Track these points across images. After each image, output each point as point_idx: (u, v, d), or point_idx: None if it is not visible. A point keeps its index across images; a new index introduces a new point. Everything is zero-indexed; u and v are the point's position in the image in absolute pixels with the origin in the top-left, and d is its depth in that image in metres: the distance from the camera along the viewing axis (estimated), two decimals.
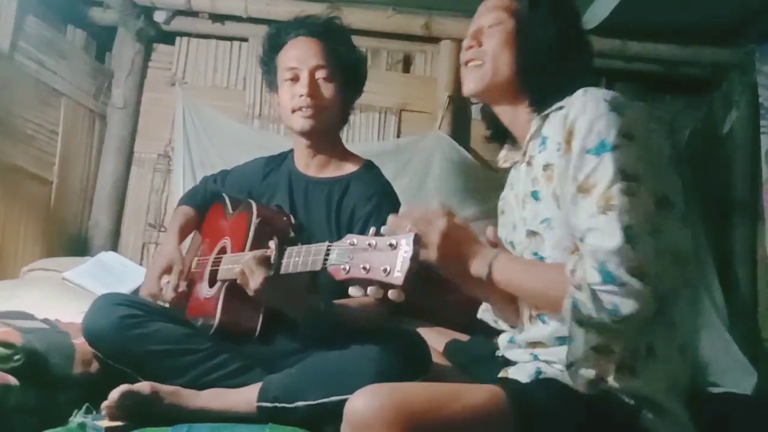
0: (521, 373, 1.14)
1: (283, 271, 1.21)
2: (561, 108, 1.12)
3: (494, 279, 1.08)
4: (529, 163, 1.20)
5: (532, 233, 1.15)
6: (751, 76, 2.53)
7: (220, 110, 2.61)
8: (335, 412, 1.20)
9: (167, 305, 1.54)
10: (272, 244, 1.24)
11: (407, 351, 1.27)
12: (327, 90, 1.57)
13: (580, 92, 1.08)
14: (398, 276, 0.94)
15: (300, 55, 1.57)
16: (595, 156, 1.00)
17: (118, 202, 2.61)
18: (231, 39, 2.70)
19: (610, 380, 1.00)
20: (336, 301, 1.37)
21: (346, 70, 1.61)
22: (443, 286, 1.61)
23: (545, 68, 1.18)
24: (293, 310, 1.35)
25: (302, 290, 1.33)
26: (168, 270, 1.54)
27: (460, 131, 2.59)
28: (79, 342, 1.41)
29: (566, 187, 1.04)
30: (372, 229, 1.01)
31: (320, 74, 1.56)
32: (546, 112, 1.17)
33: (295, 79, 1.56)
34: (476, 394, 1.01)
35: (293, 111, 1.56)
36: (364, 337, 1.29)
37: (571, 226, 1.04)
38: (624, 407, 1.01)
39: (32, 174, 2.25)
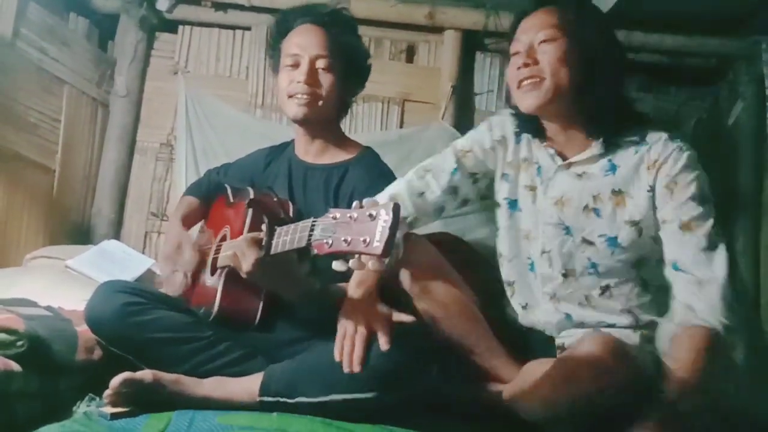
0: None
1: (273, 251, 1.21)
2: (635, 143, 1.30)
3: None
4: (579, 176, 1.35)
5: (588, 242, 1.34)
6: (757, 67, 2.51)
7: (223, 99, 2.61)
8: (336, 409, 1.21)
9: (179, 289, 1.54)
10: (263, 226, 1.24)
11: (411, 350, 1.26)
12: (326, 80, 1.55)
13: (664, 138, 1.29)
14: (377, 246, 0.95)
15: (303, 42, 1.56)
16: (699, 205, 1.24)
17: (120, 191, 2.61)
18: (234, 28, 2.69)
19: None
20: (335, 284, 1.37)
21: (349, 61, 1.60)
22: None
23: (600, 83, 1.28)
24: (288, 292, 1.35)
25: (296, 272, 1.32)
26: (179, 249, 1.53)
27: (463, 122, 2.58)
28: (82, 329, 1.41)
29: (665, 225, 1.26)
30: (355, 203, 1.02)
31: (320, 63, 1.55)
32: (616, 140, 1.31)
33: (295, 65, 1.56)
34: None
35: (289, 96, 1.55)
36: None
37: (666, 254, 1.27)
38: None
39: (35, 162, 2.25)
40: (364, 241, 0.96)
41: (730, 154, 2.61)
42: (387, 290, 1.34)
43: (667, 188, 1.26)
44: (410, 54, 2.71)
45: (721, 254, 1.23)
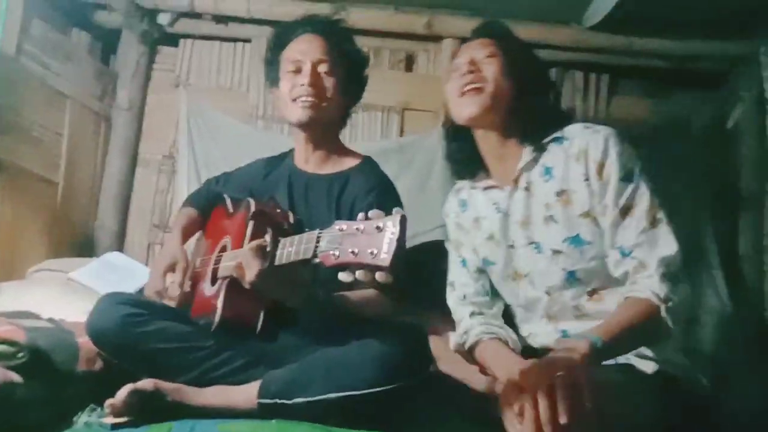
0: None
1: (277, 261, 1.21)
2: (559, 139, 1.35)
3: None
4: (527, 189, 1.38)
5: (556, 252, 1.34)
6: (757, 71, 2.51)
7: (224, 111, 2.63)
8: (334, 407, 1.22)
9: (172, 304, 1.55)
10: (267, 236, 1.24)
11: (408, 347, 1.27)
12: (328, 83, 1.57)
13: (580, 128, 1.34)
14: (385, 257, 0.95)
15: (304, 49, 1.58)
16: (631, 183, 1.26)
17: (123, 203, 2.63)
18: (234, 40, 2.71)
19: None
20: (338, 293, 1.37)
21: (348, 68, 1.62)
22: None
23: (534, 95, 1.38)
24: (292, 301, 1.35)
25: (299, 281, 1.33)
26: (171, 268, 1.55)
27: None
28: (84, 340, 1.42)
29: (607, 211, 1.27)
30: (360, 215, 1.02)
31: (322, 68, 1.57)
32: (543, 143, 1.36)
33: (297, 70, 1.57)
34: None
35: (293, 100, 1.57)
36: (366, 332, 1.30)
37: (611, 242, 1.27)
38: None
39: (38, 176, 2.27)
40: (372, 252, 0.96)
41: (732, 157, 2.61)
42: None
43: (598, 174, 1.28)
44: (409, 63, 2.73)
45: (663, 231, 1.23)
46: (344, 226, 1.02)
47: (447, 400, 1.41)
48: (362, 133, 2.65)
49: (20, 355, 1.22)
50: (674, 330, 1.18)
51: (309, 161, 1.64)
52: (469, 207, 1.52)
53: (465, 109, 1.37)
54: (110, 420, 1.22)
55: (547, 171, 1.36)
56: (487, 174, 1.47)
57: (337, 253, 1.01)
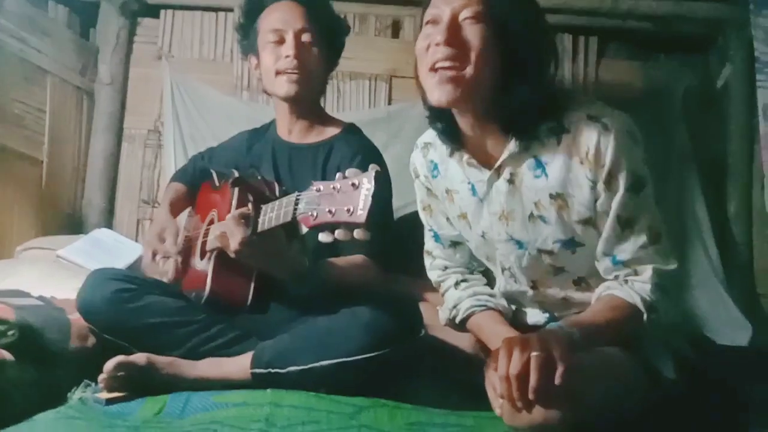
0: None
1: (260, 228, 1.21)
2: (556, 131, 1.13)
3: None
4: (511, 182, 1.20)
5: (544, 251, 1.23)
6: (746, 30, 2.48)
7: (209, 83, 2.59)
8: (327, 375, 1.23)
9: (167, 277, 1.55)
10: (249, 204, 1.24)
11: (398, 314, 1.28)
12: (312, 54, 1.55)
13: (585, 119, 1.11)
14: (361, 214, 0.95)
15: (285, 18, 1.55)
16: (636, 194, 1.13)
17: (110, 180, 2.60)
18: (216, 10, 2.65)
19: None
20: (325, 260, 1.37)
21: (329, 37, 1.60)
22: None
23: (529, 76, 1.11)
24: (278, 271, 1.35)
25: (285, 249, 1.32)
26: (161, 236, 1.54)
27: None
28: (75, 317, 1.41)
29: (608, 220, 1.15)
30: (338, 174, 1.02)
31: (305, 37, 1.54)
32: (533, 132, 1.14)
33: (280, 41, 1.54)
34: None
35: (278, 73, 1.54)
36: (355, 300, 1.30)
37: (606, 250, 1.17)
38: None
39: (22, 154, 2.23)
40: (348, 210, 0.97)
41: (720, 120, 2.60)
42: None
43: (606, 182, 1.12)
44: (396, 29, 2.68)
45: (664, 248, 1.16)
46: (321, 186, 1.02)
47: (438, 366, 1.43)
48: (350, 102, 2.61)
49: (10, 333, 1.21)
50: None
51: (292, 132, 1.63)
52: (441, 174, 1.31)
53: (434, 93, 1.11)
54: (105, 395, 1.23)
55: (539, 165, 1.16)
56: (462, 146, 1.24)
57: (315, 213, 1.01)
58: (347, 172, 1.01)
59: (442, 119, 1.22)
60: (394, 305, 1.29)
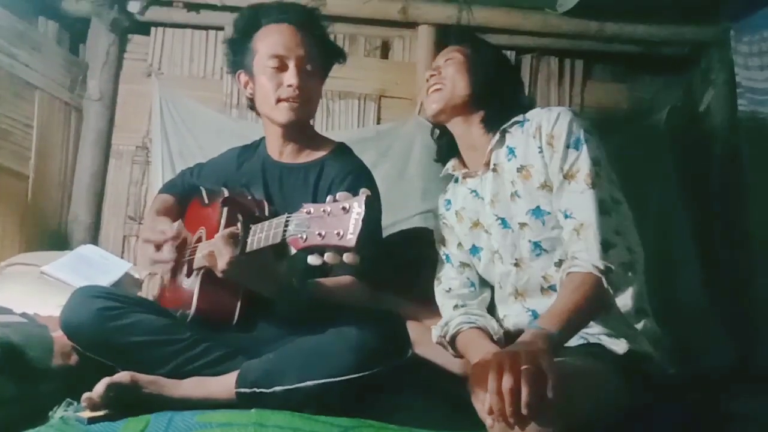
0: None
1: (248, 248, 1.21)
2: (520, 123, 1.46)
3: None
4: (495, 170, 1.48)
5: (522, 224, 1.42)
6: (728, 54, 2.54)
7: (198, 100, 2.59)
8: (312, 395, 1.22)
9: (150, 298, 1.53)
10: (239, 224, 1.24)
11: (385, 334, 1.28)
12: (313, 82, 1.56)
13: (538, 109, 1.45)
14: (350, 238, 0.96)
15: (287, 44, 1.54)
16: (575, 150, 1.35)
17: (97, 196, 2.58)
18: (206, 28, 2.67)
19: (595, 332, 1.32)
20: (312, 280, 1.37)
21: (325, 63, 1.62)
22: None
23: (491, 86, 1.51)
24: (266, 289, 1.35)
25: (273, 269, 1.32)
26: (155, 229, 1.51)
27: None
28: (58, 335, 1.40)
29: (554, 177, 1.36)
30: (329, 197, 1.02)
31: (308, 66, 1.55)
32: (504, 127, 1.48)
33: (281, 68, 1.53)
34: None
35: (279, 101, 1.54)
36: (342, 320, 1.30)
37: (558, 206, 1.35)
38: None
39: (8, 169, 2.22)
40: (338, 234, 0.97)
41: (704, 141, 2.65)
42: None
43: (549, 144, 1.38)
44: (385, 50, 2.71)
45: (590, 196, 1.30)
46: (312, 209, 1.03)
47: (425, 385, 1.43)
48: (339, 122, 2.63)
49: None
50: (615, 296, 1.24)
51: (283, 153, 1.63)
52: (452, 203, 1.62)
53: (429, 107, 1.56)
54: (87, 414, 1.21)
55: (511, 151, 1.46)
56: (463, 164, 1.59)
57: (304, 236, 1.01)
58: (338, 196, 1.02)
59: (440, 132, 1.66)
60: (381, 325, 1.29)
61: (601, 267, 1.22)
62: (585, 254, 1.24)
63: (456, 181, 1.63)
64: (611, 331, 1.31)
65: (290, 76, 1.51)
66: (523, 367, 0.97)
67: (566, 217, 1.33)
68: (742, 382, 1.83)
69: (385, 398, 1.31)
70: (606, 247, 1.25)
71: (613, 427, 1.17)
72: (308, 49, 1.55)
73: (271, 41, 1.55)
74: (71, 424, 1.19)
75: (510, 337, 1.44)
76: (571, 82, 2.72)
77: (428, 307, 1.72)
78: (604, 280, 1.21)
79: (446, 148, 1.64)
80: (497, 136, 1.49)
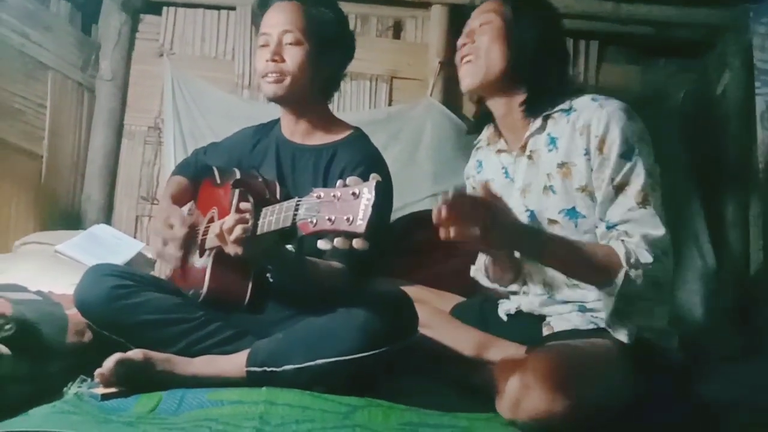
0: (565, 323, 1.34)
1: (259, 231, 1.21)
2: (567, 111, 1.34)
3: (545, 261, 1.27)
4: (530, 158, 1.39)
5: (552, 221, 1.36)
6: (745, 36, 2.50)
7: (209, 81, 2.59)
8: (321, 374, 1.23)
9: (162, 277, 1.54)
10: (249, 205, 1.24)
11: (394, 314, 1.28)
12: (295, 55, 1.52)
13: (588, 100, 1.32)
14: (360, 224, 0.95)
15: (273, 20, 1.54)
16: (628, 161, 1.26)
17: (109, 176, 2.60)
18: (218, 8, 2.66)
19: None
20: (309, 258, 1.38)
21: (321, 33, 1.55)
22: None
23: (534, 62, 1.35)
24: (269, 263, 1.36)
25: (278, 247, 1.32)
26: (168, 221, 1.52)
27: (451, 98, 2.57)
28: (72, 312, 1.42)
29: (602, 186, 1.28)
30: (339, 182, 1.02)
31: (288, 38, 1.52)
32: (548, 113, 1.36)
33: (266, 45, 1.54)
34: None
35: (263, 77, 1.54)
36: (350, 300, 1.31)
37: (601, 215, 1.29)
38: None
39: (22, 148, 2.24)
40: (348, 219, 0.97)
41: (718, 125, 2.61)
42: None
43: (598, 149, 1.28)
44: (397, 30, 2.69)
45: (651, 213, 1.25)
46: (322, 194, 1.03)
47: (433, 366, 1.44)
48: (350, 103, 2.62)
49: (7, 327, 1.21)
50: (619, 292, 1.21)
51: (295, 132, 1.62)
52: (484, 168, 1.54)
53: (463, 81, 1.41)
54: (101, 390, 1.23)
55: (552, 141, 1.36)
56: (499, 134, 1.49)
57: (314, 220, 1.01)
58: (348, 180, 1.01)
59: (480, 103, 1.51)
60: (390, 305, 1.29)
61: (632, 260, 1.20)
62: (629, 242, 1.22)
63: (488, 146, 1.54)
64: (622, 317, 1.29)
65: (266, 51, 1.52)
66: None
67: (608, 227, 1.28)
68: (745, 369, 1.82)
69: (393, 379, 1.32)
70: (653, 256, 1.22)
71: (619, 413, 1.17)
72: (292, 23, 1.52)
73: (264, 21, 1.56)
74: (85, 400, 1.21)
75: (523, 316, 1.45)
76: (586, 64, 2.68)
77: (436, 290, 1.73)
78: (624, 270, 1.19)
79: (486, 114, 1.50)
80: (538, 121, 1.38)
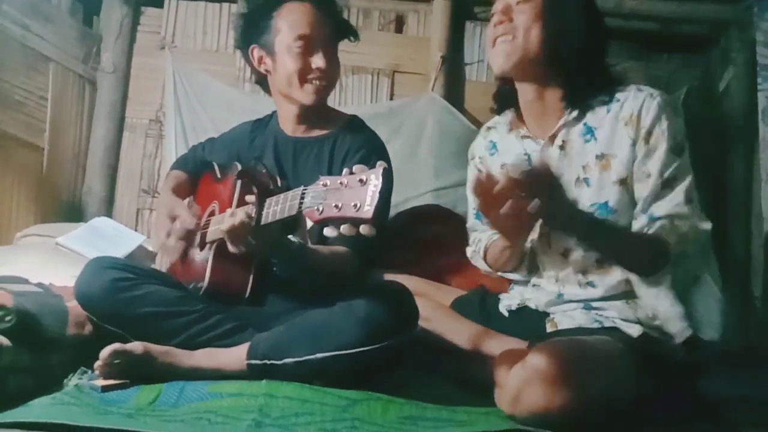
0: (569, 320, 1.32)
1: (263, 221, 1.21)
2: (608, 101, 1.29)
3: (595, 243, 1.27)
4: (562, 148, 1.33)
5: None
6: (749, 32, 2.49)
7: (211, 74, 2.59)
8: (322, 367, 1.24)
9: (174, 256, 1.54)
10: (252, 197, 1.24)
11: (394, 308, 1.28)
12: (336, 62, 1.57)
13: (635, 91, 1.28)
14: (368, 210, 0.95)
15: (314, 25, 1.52)
16: (678, 157, 1.25)
17: (111, 168, 2.61)
18: (220, 1, 2.66)
19: (611, 315, 1.30)
20: (311, 245, 1.38)
21: (338, 29, 1.60)
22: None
23: (574, 47, 1.28)
24: (273, 254, 1.36)
25: (283, 240, 1.32)
26: (172, 214, 1.52)
27: (453, 93, 2.57)
28: (73, 304, 1.42)
29: (647, 179, 1.25)
30: (345, 169, 1.02)
31: (333, 48, 1.56)
32: (588, 102, 1.31)
33: (307, 49, 1.51)
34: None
35: (305, 82, 1.52)
36: (352, 294, 1.31)
37: (644, 209, 1.26)
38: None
39: (23, 140, 2.24)
40: (355, 206, 0.97)
41: (721, 121, 2.60)
42: None
43: (645, 140, 1.26)
44: (399, 24, 2.69)
45: (698, 210, 1.26)
46: (328, 182, 1.02)
47: (432, 360, 1.44)
48: (352, 97, 2.62)
49: (8, 318, 1.21)
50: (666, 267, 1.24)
51: (293, 126, 1.62)
52: (499, 151, 1.47)
53: (495, 61, 1.34)
54: (101, 382, 1.24)
55: (589, 131, 1.31)
56: (521, 122, 1.42)
57: (321, 208, 1.01)
58: (354, 168, 1.01)
59: (505, 84, 1.43)
60: (390, 299, 1.29)
61: (678, 250, 1.23)
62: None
63: (508, 130, 1.46)
64: (627, 316, 1.30)
65: (319, 60, 1.51)
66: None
67: (651, 219, 1.26)
68: (748, 365, 1.82)
69: (393, 373, 1.32)
70: (695, 246, 1.26)
71: (624, 410, 1.16)
72: (332, 32, 1.55)
73: (297, 21, 1.52)
74: (85, 392, 1.21)
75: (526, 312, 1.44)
76: None
77: (437, 283, 1.73)
78: (670, 255, 1.23)
79: (506, 95, 1.43)
80: (575, 111, 1.32)
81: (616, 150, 1.28)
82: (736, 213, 2.54)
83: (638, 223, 1.28)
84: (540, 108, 1.36)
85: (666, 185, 1.25)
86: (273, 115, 1.69)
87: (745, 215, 2.52)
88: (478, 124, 2.52)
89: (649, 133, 1.25)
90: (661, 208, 1.25)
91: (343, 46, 1.64)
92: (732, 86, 2.58)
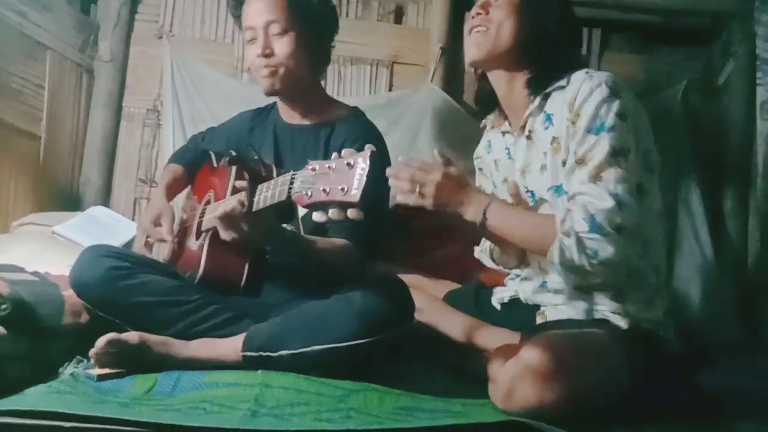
0: (558, 313, 1.33)
1: (255, 207, 1.21)
2: (562, 87, 1.30)
3: (488, 224, 1.24)
4: (529, 137, 1.37)
5: (542, 200, 1.34)
6: (750, 25, 2.47)
7: (209, 63, 2.57)
8: (317, 359, 1.24)
9: (162, 258, 1.55)
10: (244, 183, 1.24)
11: (390, 301, 1.28)
12: (283, 45, 1.51)
13: (582, 74, 1.27)
14: (355, 193, 0.96)
15: (253, 12, 1.52)
16: (594, 135, 1.21)
17: (108, 158, 2.59)
18: None
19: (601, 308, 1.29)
20: (307, 235, 1.38)
21: (305, 13, 1.53)
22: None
23: (543, 41, 1.32)
24: (267, 243, 1.36)
25: (276, 226, 1.32)
26: (157, 220, 1.54)
27: (452, 84, 2.55)
28: (69, 293, 1.42)
29: (568, 158, 1.25)
30: (334, 154, 1.02)
31: (274, 29, 1.51)
32: (547, 90, 1.32)
33: (253, 39, 1.52)
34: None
35: (257, 72, 1.54)
36: (348, 286, 1.30)
37: (567, 188, 1.25)
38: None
39: (20, 129, 2.22)
40: (342, 189, 0.97)
41: (720, 115, 2.60)
42: None
43: (572, 121, 1.25)
44: (399, 15, 2.66)
45: (600, 189, 1.18)
46: (317, 166, 1.03)
47: (427, 352, 1.44)
48: (351, 88, 2.60)
49: (3, 307, 1.21)
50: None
51: (293, 115, 1.62)
52: (493, 149, 1.53)
53: (469, 51, 1.37)
54: (96, 371, 1.24)
55: (548, 118, 1.33)
56: (504, 116, 1.46)
57: (309, 192, 1.01)
58: (343, 152, 1.01)
59: (484, 79, 1.45)
60: (387, 292, 1.29)
61: (566, 228, 1.17)
62: (569, 222, 1.19)
63: (492, 127, 1.52)
64: (618, 308, 1.29)
65: (256, 47, 1.50)
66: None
67: (561, 194, 1.28)
68: (746, 358, 1.83)
69: (388, 364, 1.32)
70: (595, 227, 1.17)
71: (616, 402, 1.17)
72: (273, 12, 1.50)
73: (245, 13, 1.54)
74: (81, 380, 1.21)
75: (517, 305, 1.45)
76: (588, 52, 2.65)
77: (434, 275, 1.73)
78: (558, 237, 1.18)
79: (488, 95, 1.47)
80: (538, 100, 1.34)
81: (561, 132, 1.28)
82: (733, 208, 2.53)
83: (561, 201, 1.28)
84: (512, 100, 1.40)
85: (578, 163, 1.23)
86: (275, 104, 1.69)
87: (743, 210, 2.52)
88: (477, 116, 2.52)
89: (577, 114, 1.24)
90: (571, 187, 1.24)
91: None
92: (732, 80, 2.57)
